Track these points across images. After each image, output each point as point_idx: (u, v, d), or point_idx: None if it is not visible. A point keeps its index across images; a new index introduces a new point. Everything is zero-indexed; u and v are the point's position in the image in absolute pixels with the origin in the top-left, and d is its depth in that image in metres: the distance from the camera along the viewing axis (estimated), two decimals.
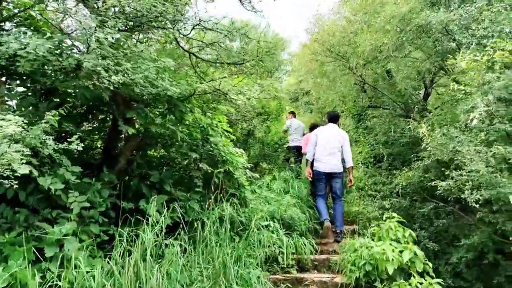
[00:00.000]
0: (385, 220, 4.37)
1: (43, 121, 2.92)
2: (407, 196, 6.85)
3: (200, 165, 4.43)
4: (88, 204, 3.42)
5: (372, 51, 6.55)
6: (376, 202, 6.64)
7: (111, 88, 2.84)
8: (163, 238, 3.43)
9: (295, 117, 8.66)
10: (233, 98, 3.72)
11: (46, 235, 3.08)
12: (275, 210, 5.07)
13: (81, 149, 3.08)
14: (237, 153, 5.12)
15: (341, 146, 5.65)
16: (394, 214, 4.34)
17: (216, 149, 4.73)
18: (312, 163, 5.74)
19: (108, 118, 4.53)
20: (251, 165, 7.40)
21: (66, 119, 3.73)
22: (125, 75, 2.87)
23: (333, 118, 5.96)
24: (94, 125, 4.85)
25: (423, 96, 9.39)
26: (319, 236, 5.76)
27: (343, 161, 5.75)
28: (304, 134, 8.36)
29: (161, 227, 3.58)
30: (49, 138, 2.94)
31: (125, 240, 3.12)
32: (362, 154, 7.87)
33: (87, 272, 2.81)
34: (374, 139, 8.10)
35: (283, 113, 9.49)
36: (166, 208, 4.07)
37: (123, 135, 4.64)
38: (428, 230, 6.40)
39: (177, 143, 4.55)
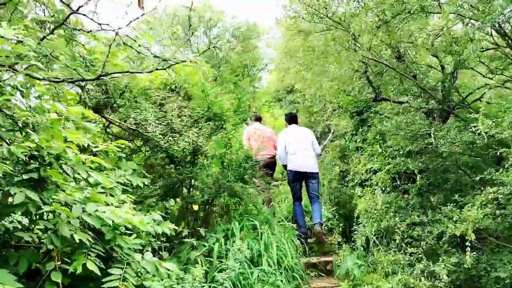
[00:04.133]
0: None
1: None
2: (463, 243, 4.03)
3: None
4: None
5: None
6: (419, 262, 3.77)
7: None
8: None
9: (260, 122, 6.99)
10: None
11: None
12: None
13: None
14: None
15: (312, 142, 5.58)
16: None
17: None
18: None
19: None
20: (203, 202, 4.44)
21: None
22: None
23: (294, 118, 5.91)
24: None
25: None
26: None
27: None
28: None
29: None
30: None
31: None
32: (381, 174, 4.96)
33: None
34: (394, 148, 5.22)
35: (250, 116, 6.67)
36: None
37: None
38: None
39: None
